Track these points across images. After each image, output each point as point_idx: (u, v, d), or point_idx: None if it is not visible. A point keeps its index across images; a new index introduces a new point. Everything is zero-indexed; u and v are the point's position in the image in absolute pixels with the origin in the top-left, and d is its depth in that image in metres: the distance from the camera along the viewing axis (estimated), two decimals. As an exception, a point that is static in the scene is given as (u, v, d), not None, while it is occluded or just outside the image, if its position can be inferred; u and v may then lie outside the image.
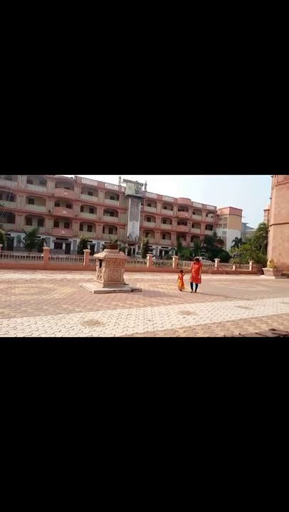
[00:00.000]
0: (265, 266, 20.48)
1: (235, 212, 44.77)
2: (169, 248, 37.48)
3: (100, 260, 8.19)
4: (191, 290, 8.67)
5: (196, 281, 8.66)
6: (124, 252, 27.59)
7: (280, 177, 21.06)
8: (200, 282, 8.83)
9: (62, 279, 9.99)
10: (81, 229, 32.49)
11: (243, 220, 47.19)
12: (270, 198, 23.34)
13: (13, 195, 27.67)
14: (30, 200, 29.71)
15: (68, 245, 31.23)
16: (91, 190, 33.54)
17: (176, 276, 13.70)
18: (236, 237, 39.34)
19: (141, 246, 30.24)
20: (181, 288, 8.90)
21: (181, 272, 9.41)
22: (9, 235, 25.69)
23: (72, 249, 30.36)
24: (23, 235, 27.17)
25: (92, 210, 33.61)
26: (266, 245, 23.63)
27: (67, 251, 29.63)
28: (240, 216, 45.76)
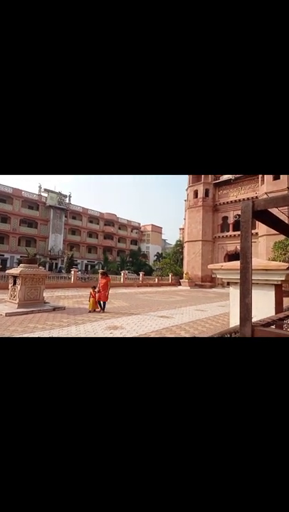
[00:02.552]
0: (181, 278, 23.13)
1: (157, 230, 49.17)
2: (96, 262, 36.80)
3: (14, 277, 7.12)
4: (99, 309, 7.29)
5: (102, 298, 7.30)
6: (44, 267, 25.07)
7: (191, 202, 24.87)
8: (106, 300, 7.44)
9: None
10: (-11, 240, 27.54)
11: (163, 237, 52.33)
12: (184, 219, 27.05)
13: None
14: None
15: None
16: (4, 198, 29.30)
17: (102, 291, 13.49)
18: (158, 252, 42.93)
19: (65, 260, 28.34)
20: (94, 308, 7.29)
21: (94, 288, 7.58)
22: None
23: (-25, 264, 25.10)
24: None
25: (5, 220, 29.20)
26: (182, 259, 26.88)
27: None
28: (161, 233, 50.57)
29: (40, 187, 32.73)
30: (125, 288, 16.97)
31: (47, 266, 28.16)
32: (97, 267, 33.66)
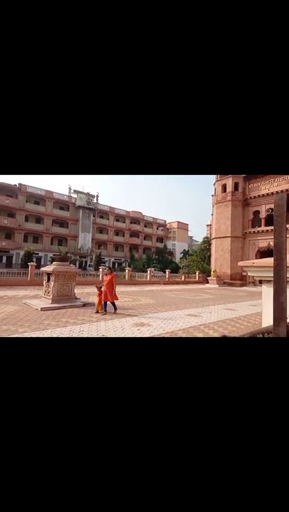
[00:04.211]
0: (209, 275, 22.49)
1: (183, 227, 48.38)
2: (122, 260, 37.56)
3: (48, 274, 7.61)
4: (104, 311, 6.44)
5: (108, 298, 6.42)
6: (75, 264, 26.33)
7: (219, 196, 23.93)
8: (116, 299, 6.61)
9: (1, 296, 8.83)
10: (26, 240, 29.73)
11: (189, 234, 51.33)
12: (212, 215, 26.16)
13: None
14: None
15: (10, 258, 28.04)
16: (38, 200, 31.37)
17: (130, 289, 13.70)
18: (184, 250, 42.25)
19: (93, 258, 29.46)
20: (99, 309, 6.55)
21: (100, 288, 6.66)
22: None
23: (14, 262, 27.34)
24: None
25: (38, 220, 31.30)
26: (210, 257, 26.09)
27: (9, 264, 26.54)
28: (187, 230, 49.64)
29: (70, 188, 34.38)
30: (151, 285, 17.06)
31: (77, 264, 29.55)
32: (124, 264, 34.34)
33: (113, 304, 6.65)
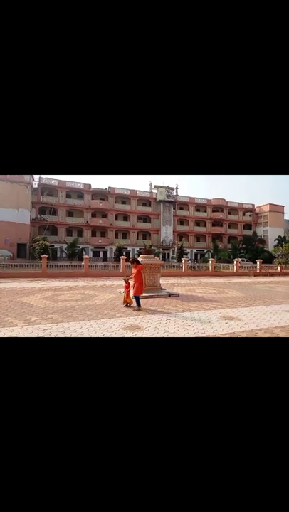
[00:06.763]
0: (316, 265, 18.34)
1: (276, 209, 41.31)
2: (205, 251, 36.31)
3: (137, 266, 8.37)
4: (137, 307, 5.72)
5: (136, 292, 5.77)
6: (158, 257, 27.69)
7: None
8: (141, 293, 5.90)
9: (101, 285, 10.46)
10: (116, 237, 33.74)
11: (286, 217, 43.25)
12: None
13: (55, 210, 30.41)
14: (70, 213, 32.17)
15: (105, 253, 32.69)
16: (124, 199, 34.74)
17: (214, 280, 13.10)
18: (279, 236, 36.17)
19: (175, 250, 29.99)
20: (127, 301, 6.03)
21: (128, 280, 6.15)
22: (53, 246, 28.18)
23: (109, 256, 31.70)
24: (65, 246, 29.52)
25: (125, 218, 34.72)
26: (316, 242, 21.17)
27: (105, 258, 31.01)
28: (283, 213, 42.01)
29: (150, 184, 36.07)
30: (239, 277, 15.67)
31: (160, 256, 30.96)
32: (206, 255, 33.16)
33: (137, 299, 5.83)
